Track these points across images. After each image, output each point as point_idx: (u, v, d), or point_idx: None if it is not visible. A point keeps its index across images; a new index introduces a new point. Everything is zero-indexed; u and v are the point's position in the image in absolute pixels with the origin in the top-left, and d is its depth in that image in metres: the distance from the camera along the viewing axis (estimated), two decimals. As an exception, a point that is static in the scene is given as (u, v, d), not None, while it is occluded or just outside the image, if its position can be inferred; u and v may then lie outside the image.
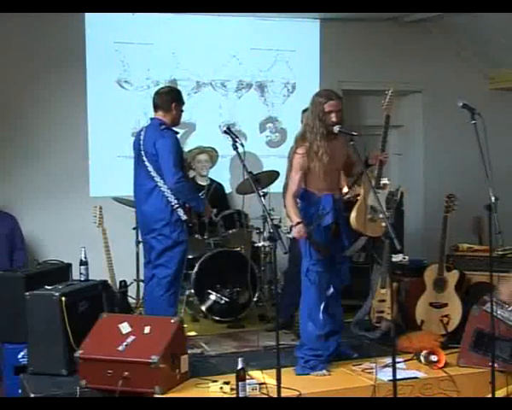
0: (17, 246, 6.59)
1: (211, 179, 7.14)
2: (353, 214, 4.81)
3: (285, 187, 6.04)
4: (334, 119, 4.62)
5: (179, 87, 7.09)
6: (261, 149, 7.64)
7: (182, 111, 5.33)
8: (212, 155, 7.07)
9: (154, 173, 5.12)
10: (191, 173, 6.80)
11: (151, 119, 5.31)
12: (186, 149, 7.19)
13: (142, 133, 5.25)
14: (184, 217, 5.16)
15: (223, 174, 7.40)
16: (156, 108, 5.27)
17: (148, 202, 5.18)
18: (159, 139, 5.10)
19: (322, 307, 4.72)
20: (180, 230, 5.16)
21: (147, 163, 5.14)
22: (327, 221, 4.67)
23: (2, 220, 6.53)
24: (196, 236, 6.34)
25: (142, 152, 5.18)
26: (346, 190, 5.20)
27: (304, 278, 4.73)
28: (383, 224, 4.52)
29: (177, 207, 5.12)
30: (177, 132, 5.28)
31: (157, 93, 5.34)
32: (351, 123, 7.38)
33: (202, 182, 7.02)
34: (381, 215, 4.48)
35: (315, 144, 4.62)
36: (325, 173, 4.66)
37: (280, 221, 6.17)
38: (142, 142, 5.21)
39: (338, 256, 4.80)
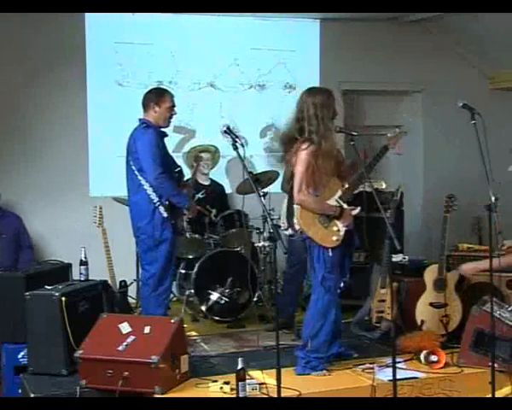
0: (23, 245, 6.58)
1: (211, 180, 7.14)
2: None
3: (283, 185, 6.00)
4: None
5: (179, 88, 7.09)
6: (260, 152, 7.64)
7: (171, 113, 5.25)
8: (214, 152, 7.08)
9: (136, 172, 5.14)
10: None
11: (139, 119, 5.32)
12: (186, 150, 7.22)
13: (132, 134, 5.29)
14: (165, 214, 5.11)
15: (220, 175, 7.39)
16: (143, 107, 5.30)
17: (133, 200, 5.21)
18: (139, 138, 5.16)
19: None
20: (162, 228, 5.11)
21: (131, 162, 5.18)
22: None
23: (7, 220, 6.52)
24: (196, 236, 6.34)
25: (129, 152, 5.22)
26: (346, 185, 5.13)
27: (318, 287, 4.65)
28: (334, 237, 4.54)
29: (159, 205, 5.10)
30: (163, 133, 5.26)
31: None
32: (351, 123, 7.46)
33: (203, 181, 7.02)
34: (334, 227, 4.50)
35: (327, 143, 4.56)
36: (331, 172, 4.64)
37: (279, 218, 6.13)
38: (129, 142, 5.26)
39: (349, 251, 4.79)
